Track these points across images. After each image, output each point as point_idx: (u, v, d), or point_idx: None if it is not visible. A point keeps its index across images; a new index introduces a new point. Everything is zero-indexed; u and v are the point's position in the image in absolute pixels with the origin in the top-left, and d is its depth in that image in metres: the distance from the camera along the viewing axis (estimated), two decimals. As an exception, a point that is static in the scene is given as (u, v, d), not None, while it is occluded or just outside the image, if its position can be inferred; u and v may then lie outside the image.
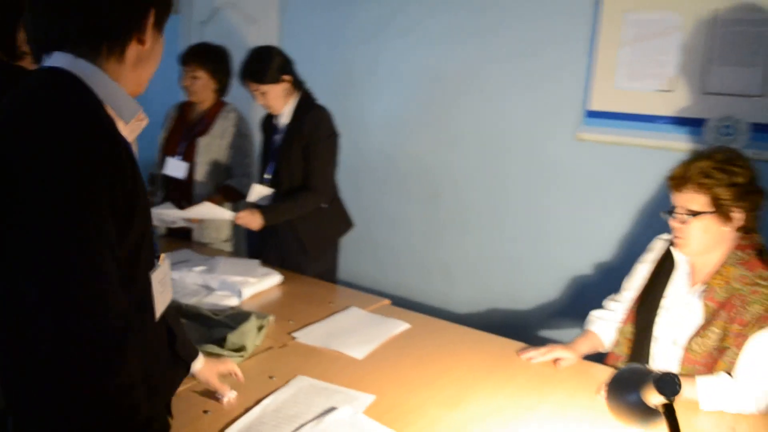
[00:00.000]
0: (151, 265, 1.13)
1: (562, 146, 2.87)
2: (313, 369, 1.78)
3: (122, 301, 0.96)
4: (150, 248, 1.10)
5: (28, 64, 1.66)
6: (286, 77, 2.54)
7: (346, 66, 3.62)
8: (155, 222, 2.81)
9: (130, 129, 1.07)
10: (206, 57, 2.92)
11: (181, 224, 2.78)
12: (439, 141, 3.31)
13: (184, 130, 3.06)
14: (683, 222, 1.73)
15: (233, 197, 2.98)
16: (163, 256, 1.18)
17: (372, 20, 3.47)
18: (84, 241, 0.91)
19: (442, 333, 2.12)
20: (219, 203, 2.88)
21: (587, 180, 2.82)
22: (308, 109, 2.58)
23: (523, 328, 3.06)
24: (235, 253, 3.07)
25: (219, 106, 3.04)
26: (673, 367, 1.77)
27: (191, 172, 2.97)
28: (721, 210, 1.70)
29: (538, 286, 3.04)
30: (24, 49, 1.66)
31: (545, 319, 3.03)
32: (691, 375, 1.69)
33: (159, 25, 1.10)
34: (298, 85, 2.61)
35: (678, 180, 1.74)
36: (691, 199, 1.72)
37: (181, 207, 2.69)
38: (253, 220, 2.53)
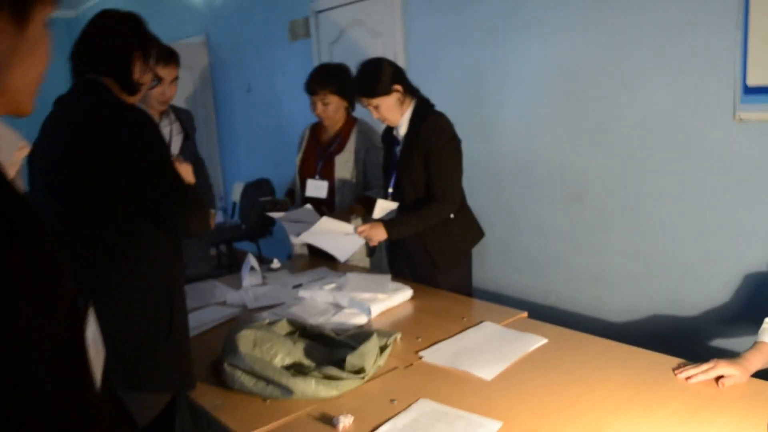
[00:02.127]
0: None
1: (720, 130, 2.53)
2: (437, 391, 1.67)
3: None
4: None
5: (135, 99, 1.73)
6: (397, 87, 2.46)
7: (474, 67, 3.49)
8: (291, 233, 2.83)
9: (10, 163, 0.86)
10: (330, 80, 2.92)
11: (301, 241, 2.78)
12: (578, 137, 3.07)
13: (318, 150, 3.10)
14: None
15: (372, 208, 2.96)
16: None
17: (496, 17, 3.32)
18: None
19: (584, 348, 1.91)
20: (360, 214, 2.88)
21: (753, 165, 2.46)
22: (425, 116, 2.48)
23: (688, 337, 2.72)
24: (375, 269, 3.04)
25: (351, 122, 3.05)
26: None
27: (331, 189, 3.00)
28: None
29: (705, 289, 2.69)
30: (143, 80, 1.71)
31: (714, 326, 2.67)
32: None
33: (16, 9, 0.79)
34: (411, 92, 2.52)
35: None
36: None
37: None
38: (376, 234, 2.47)
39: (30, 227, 0.74)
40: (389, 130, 2.66)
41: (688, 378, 1.65)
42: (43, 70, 0.88)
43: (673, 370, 1.70)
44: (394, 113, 2.49)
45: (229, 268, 5.12)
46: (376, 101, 2.45)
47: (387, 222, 2.51)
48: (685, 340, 2.74)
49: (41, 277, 0.74)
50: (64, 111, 1.69)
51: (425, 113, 2.49)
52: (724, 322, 2.63)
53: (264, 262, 3.03)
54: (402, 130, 2.54)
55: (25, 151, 0.90)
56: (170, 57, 2.72)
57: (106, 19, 1.68)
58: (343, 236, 2.58)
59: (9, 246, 0.69)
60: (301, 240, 2.66)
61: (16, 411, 0.69)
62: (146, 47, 1.70)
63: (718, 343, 2.65)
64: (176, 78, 2.78)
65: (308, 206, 2.80)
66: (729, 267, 2.60)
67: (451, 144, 2.49)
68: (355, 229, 2.53)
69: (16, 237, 0.71)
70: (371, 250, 3.05)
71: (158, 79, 1.82)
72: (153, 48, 1.73)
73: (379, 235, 2.47)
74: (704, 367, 1.65)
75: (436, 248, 2.56)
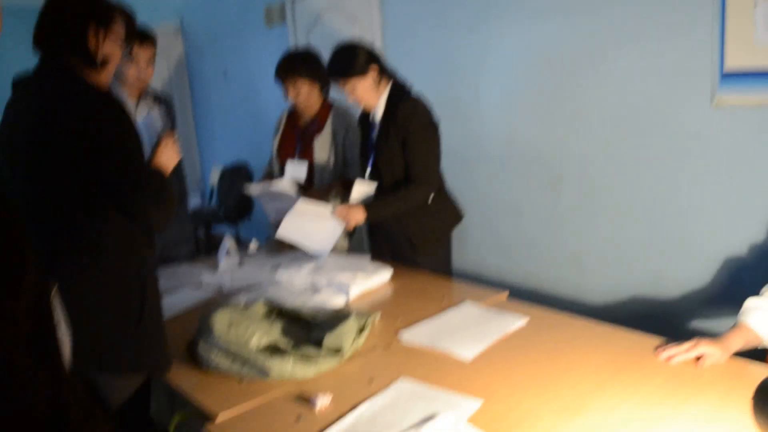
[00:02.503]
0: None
1: (698, 114, 2.53)
2: (416, 371, 1.65)
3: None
4: None
5: (106, 77, 1.65)
6: (373, 66, 2.41)
7: (451, 52, 3.46)
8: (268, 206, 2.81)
9: None
10: (297, 65, 2.87)
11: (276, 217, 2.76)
12: (557, 121, 3.06)
13: (297, 132, 3.05)
14: None
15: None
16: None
17: (473, 2, 3.29)
18: None
19: (564, 328, 1.90)
20: (339, 193, 2.84)
21: (731, 149, 2.46)
22: (401, 99, 2.44)
23: (667, 319, 2.74)
24: (355, 251, 3.01)
25: (328, 106, 3.00)
26: None
27: (310, 171, 2.95)
28: None
29: (685, 271, 2.70)
30: (107, 51, 1.62)
31: (694, 308, 2.68)
32: None
33: None
34: (387, 74, 2.48)
35: None
36: None
37: None
38: (354, 215, 2.43)
39: None
40: (366, 114, 2.62)
41: (669, 358, 1.64)
42: None
43: (654, 349, 1.69)
44: (370, 95, 2.44)
45: (207, 252, 5.05)
46: (352, 82, 2.40)
47: (365, 204, 2.47)
48: (665, 321, 2.75)
49: (8, 260, 0.73)
50: (25, 95, 1.63)
51: (402, 96, 2.45)
52: (705, 303, 2.65)
53: (242, 245, 2.98)
54: (378, 114, 2.50)
55: None
56: (145, 36, 2.64)
57: None
58: (320, 223, 2.53)
59: None
60: (278, 236, 2.61)
61: None
62: (102, 16, 1.61)
63: (699, 323, 2.66)
64: (152, 58, 2.71)
65: (285, 179, 2.76)
66: (708, 249, 2.61)
67: (429, 128, 2.45)
68: (334, 210, 2.49)
69: None
70: (350, 231, 3.02)
71: (130, 48, 1.73)
72: (115, 15, 1.64)
73: (357, 216, 2.44)
74: (685, 345, 1.64)
75: (415, 231, 2.53)
